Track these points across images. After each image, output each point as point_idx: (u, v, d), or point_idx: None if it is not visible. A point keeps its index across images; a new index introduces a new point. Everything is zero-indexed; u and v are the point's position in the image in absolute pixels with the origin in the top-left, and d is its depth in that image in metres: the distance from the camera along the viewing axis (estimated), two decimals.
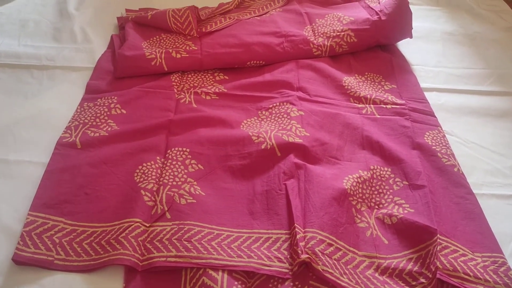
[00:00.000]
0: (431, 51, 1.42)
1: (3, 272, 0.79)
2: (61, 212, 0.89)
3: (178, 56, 1.24)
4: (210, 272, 0.79)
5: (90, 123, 1.07)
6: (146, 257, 0.81)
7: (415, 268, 0.82)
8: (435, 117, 1.15)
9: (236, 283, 0.78)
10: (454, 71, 1.34)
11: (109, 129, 1.06)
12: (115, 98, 1.14)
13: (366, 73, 1.29)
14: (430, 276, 0.79)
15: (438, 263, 0.80)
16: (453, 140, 1.11)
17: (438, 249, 0.83)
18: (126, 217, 0.87)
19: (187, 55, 1.25)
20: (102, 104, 1.13)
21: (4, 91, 1.17)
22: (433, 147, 1.06)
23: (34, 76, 1.22)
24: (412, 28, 1.38)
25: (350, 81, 1.24)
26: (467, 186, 0.99)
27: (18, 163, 0.99)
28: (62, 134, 1.04)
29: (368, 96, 1.19)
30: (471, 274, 0.81)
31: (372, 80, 1.27)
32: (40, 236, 0.84)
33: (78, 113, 1.10)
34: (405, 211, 0.92)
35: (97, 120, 1.08)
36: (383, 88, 1.24)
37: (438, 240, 0.84)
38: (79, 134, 1.04)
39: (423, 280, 0.80)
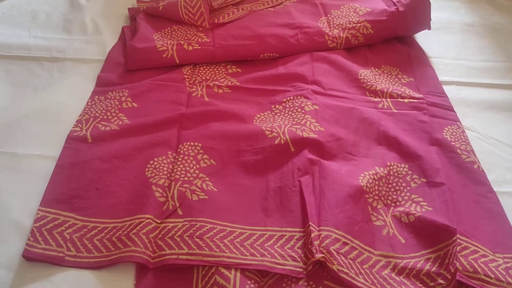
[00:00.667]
0: (450, 43, 1.38)
1: (13, 268, 0.78)
2: (72, 208, 0.87)
3: (190, 48, 1.22)
4: (223, 270, 0.77)
5: (101, 116, 1.06)
6: (158, 254, 0.80)
7: (433, 269, 0.79)
8: (454, 111, 1.12)
9: (248, 282, 0.76)
10: (474, 64, 1.30)
11: (120, 123, 1.04)
12: (126, 91, 1.13)
13: (383, 66, 1.25)
14: (449, 277, 0.77)
15: (457, 264, 0.78)
16: (473, 135, 1.07)
17: (457, 249, 0.80)
18: (137, 213, 0.86)
19: (199, 47, 1.22)
20: (113, 97, 1.11)
21: (14, 83, 1.16)
22: (452, 143, 1.02)
23: (44, 68, 1.21)
24: (430, 19, 1.34)
25: (366, 74, 1.21)
26: (488, 183, 0.95)
27: (28, 157, 0.97)
28: (73, 127, 1.03)
29: (385, 90, 1.16)
30: (492, 276, 0.78)
31: (389, 73, 1.23)
32: (51, 232, 0.83)
33: (89, 107, 1.09)
34: (423, 210, 0.89)
35: (108, 114, 1.06)
36: (400, 82, 1.21)
37: (457, 240, 0.81)
38: (90, 128, 1.02)
39: (441, 281, 0.78)
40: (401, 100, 1.14)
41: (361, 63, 1.25)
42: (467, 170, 0.97)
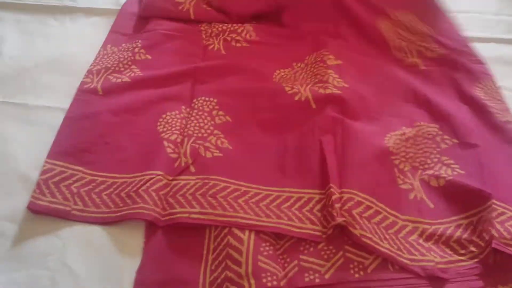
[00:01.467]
0: None
1: (18, 220, 0.75)
2: (80, 161, 0.83)
3: (208, 8, 1.15)
4: (236, 231, 0.72)
5: (112, 68, 1.01)
6: (168, 212, 0.75)
7: (465, 236, 0.73)
8: (486, 63, 1.04)
9: (263, 244, 0.72)
10: None
11: (132, 75, 0.99)
12: (140, 42, 1.07)
13: (408, 20, 1.16)
14: (483, 244, 0.71)
15: (493, 231, 0.71)
16: None
17: (493, 215, 0.74)
18: (147, 169, 0.81)
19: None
20: (126, 48, 1.06)
21: (25, 33, 1.12)
22: (486, 101, 0.95)
23: (56, 18, 1.16)
24: None
25: (390, 28, 1.13)
26: None
27: (37, 108, 0.94)
28: (84, 79, 0.98)
29: (411, 45, 1.09)
30: None
31: (410, 23, 1.14)
32: (58, 185, 0.79)
33: (101, 57, 1.04)
34: (454, 173, 0.83)
35: (120, 65, 1.01)
36: (429, 36, 1.12)
37: (493, 205, 0.75)
38: (101, 80, 0.98)
39: (473, 249, 0.72)
40: (430, 55, 1.07)
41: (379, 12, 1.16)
42: (503, 130, 0.90)
